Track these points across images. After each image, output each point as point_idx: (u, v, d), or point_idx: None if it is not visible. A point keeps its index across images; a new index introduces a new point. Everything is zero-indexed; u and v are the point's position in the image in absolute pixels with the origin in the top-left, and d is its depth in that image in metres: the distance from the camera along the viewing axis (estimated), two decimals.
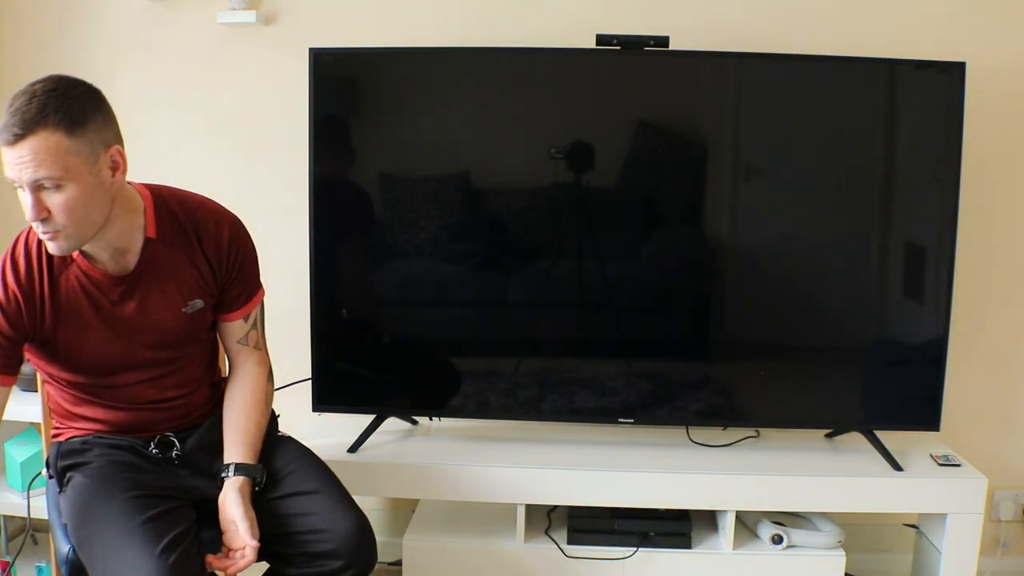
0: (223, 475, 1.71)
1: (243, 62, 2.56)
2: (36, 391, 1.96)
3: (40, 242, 1.61)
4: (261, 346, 1.89)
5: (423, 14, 2.52)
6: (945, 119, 2.19)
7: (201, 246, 1.72)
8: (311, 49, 2.22)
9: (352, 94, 2.29)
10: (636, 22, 2.40)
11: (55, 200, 1.48)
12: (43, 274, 1.61)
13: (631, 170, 2.27)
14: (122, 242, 1.64)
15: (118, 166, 1.58)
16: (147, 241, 1.67)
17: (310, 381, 2.30)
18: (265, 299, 1.91)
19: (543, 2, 2.50)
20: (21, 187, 1.48)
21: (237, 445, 1.75)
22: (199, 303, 1.73)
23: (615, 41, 2.18)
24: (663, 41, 2.18)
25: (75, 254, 1.63)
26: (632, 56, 2.20)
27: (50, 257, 1.61)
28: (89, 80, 2.73)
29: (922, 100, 2.23)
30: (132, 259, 1.66)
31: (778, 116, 2.26)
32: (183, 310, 1.71)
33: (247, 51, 2.55)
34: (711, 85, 2.29)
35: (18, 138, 1.45)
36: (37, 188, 1.47)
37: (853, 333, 2.31)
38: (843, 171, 2.26)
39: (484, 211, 2.32)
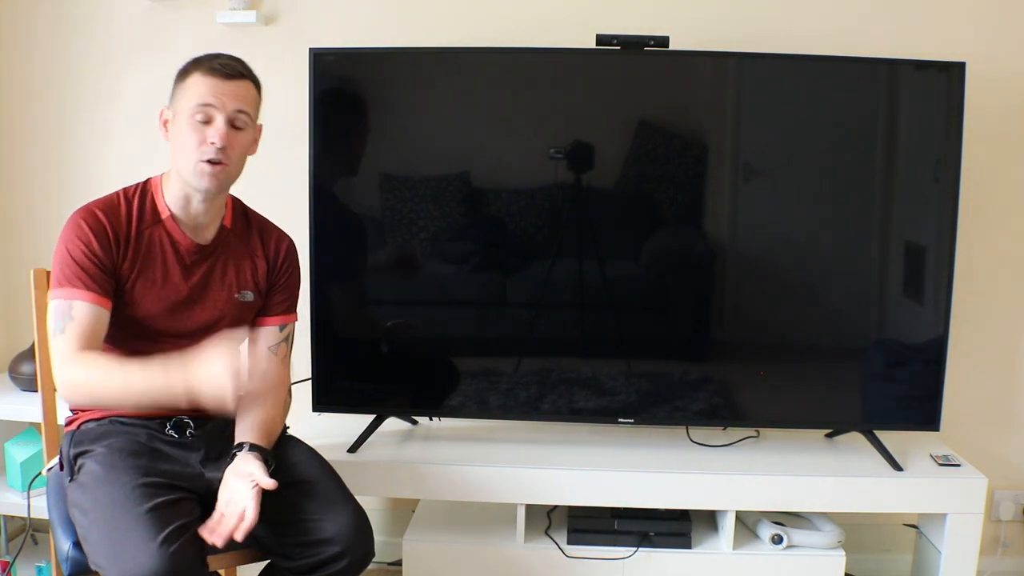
0: (233, 452, 1.74)
1: None
2: (36, 391, 1.96)
3: (137, 195, 1.80)
4: (287, 364, 1.97)
5: (423, 14, 2.52)
6: (945, 119, 2.19)
7: (263, 248, 1.91)
8: (311, 49, 2.22)
9: (352, 94, 2.29)
10: (636, 22, 2.40)
11: (236, 138, 1.75)
12: (133, 222, 1.78)
13: (631, 170, 2.27)
14: (208, 219, 1.83)
15: (256, 141, 1.84)
16: (223, 227, 1.87)
17: (310, 381, 2.30)
18: None
19: (543, 2, 2.50)
20: (208, 117, 1.71)
21: (253, 430, 1.78)
22: (249, 295, 1.88)
23: (615, 41, 2.18)
24: (663, 41, 2.18)
25: (165, 215, 1.80)
26: (632, 56, 2.20)
27: (142, 210, 1.79)
28: (90, 79, 2.74)
29: (922, 100, 2.23)
30: (209, 237, 1.85)
31: (778, 116, 2.26)
32: (235, 295, 1.86)
33: (247, 51, 2.52)
34: (711, 85, 2.29)
35: (240, 76, 1.75)
36: (231, 121, 1.74)
37: (853, 333, 2.31)
38: (843, 171, 2.26)
39: (484, 211, 2.32)
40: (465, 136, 2.31)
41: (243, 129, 1.76)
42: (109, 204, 1.78)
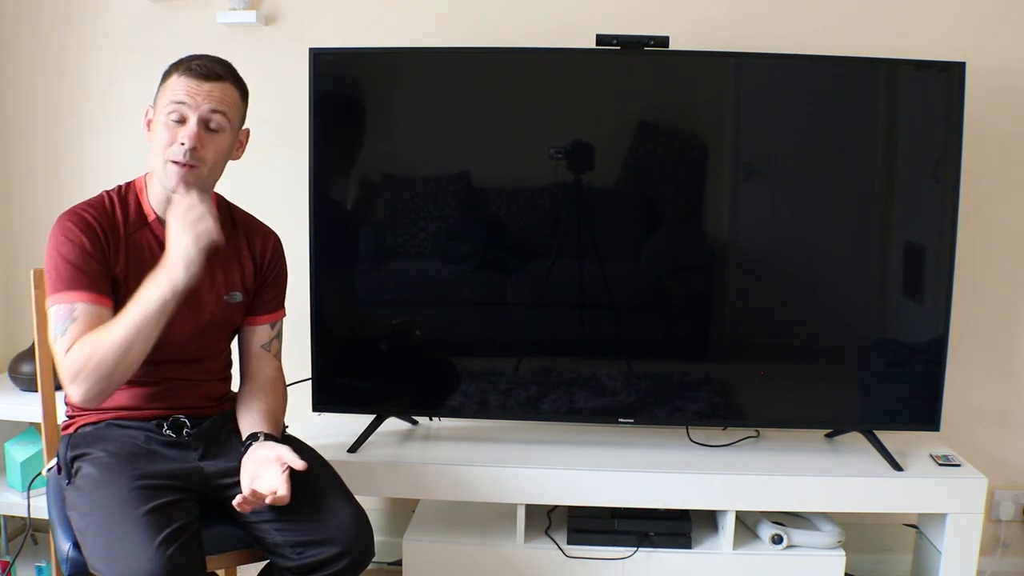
0: (247, 443, 1.75)
1: (243, 62, 2.54)
2: (36, 391, 1.96)
3: (124, 196, 1.78)
4: (280, 359, 1.97)
5: (423, 14, 2.52)
6: (945, 119, 2.19)
7: (249, 247, 1.89)
8: (311, 49, 2.22)
9: (352, 94, 2.29)
10: (636, 22, 2.41)
11: (211, 140, 1.72)
12: (120, 223, 1.76)
13: (631, 170, 2.27)
14: None
15: (242, 145, 1.84)
16: None
17: (310, 381, 2.30)
18: None
19: (543, 2, 2.50)
20: (182, 117, 1.69)
21: (261, 423, 1.80)
22: (237, 295, 1.87)
23: (615, 41, 2.18)
24: (663, 41, 2.18)
25: (151, 218, 1.78)
26: (632, 56, 2.20)
27: (126, 212, 1.77)
28: (89, 80, 2.74)
29: (922, 100, 2.23)
30: None
31: (778, 116, 2.26)
32: (224, 297, 1.85)
33: (247, 51, 2.55)
34: (711, 85, 2.29)
35: (217, 77, 1.72)
36: (205, 122, 1.71)
37: (853, 333, 2.31)
38: (843, 171, 2.26)
39: (484, 211, 2.32)
40: (465, 136, 2.31)
41: (219, 131, 1.73)
42: (96, 205, 1.76)
